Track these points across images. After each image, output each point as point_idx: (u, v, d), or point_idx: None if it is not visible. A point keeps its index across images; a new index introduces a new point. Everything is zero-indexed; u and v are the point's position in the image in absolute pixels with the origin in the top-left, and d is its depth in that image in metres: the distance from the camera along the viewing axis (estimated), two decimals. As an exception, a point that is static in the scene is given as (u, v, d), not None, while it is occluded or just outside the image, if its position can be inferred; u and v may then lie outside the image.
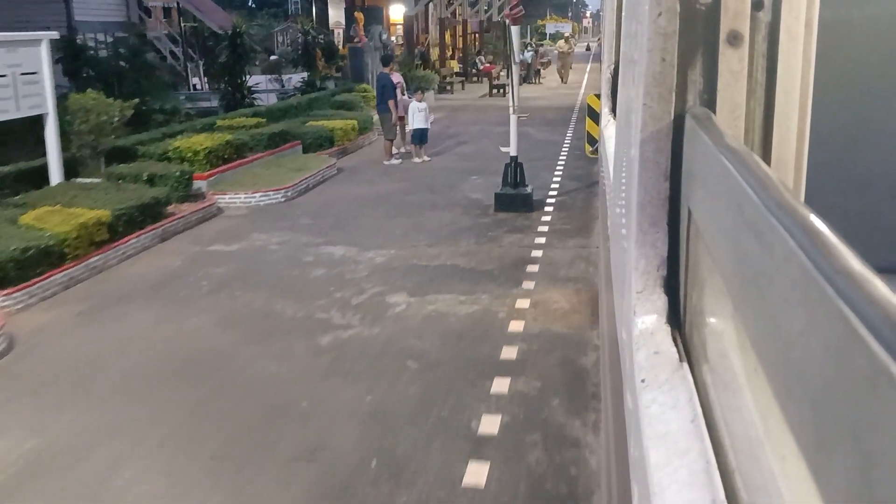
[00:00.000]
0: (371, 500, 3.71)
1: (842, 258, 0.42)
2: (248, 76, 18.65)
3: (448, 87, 25.89)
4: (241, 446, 4.25)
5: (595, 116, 9.13)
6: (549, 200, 9.75)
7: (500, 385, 4.77)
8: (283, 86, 21.74)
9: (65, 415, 4.64)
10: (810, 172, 1.04)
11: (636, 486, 0.97)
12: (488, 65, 28.77)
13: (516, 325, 5.72)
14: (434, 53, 27.75)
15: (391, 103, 12.59)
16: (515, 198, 9.27)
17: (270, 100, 19.43)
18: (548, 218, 8.90)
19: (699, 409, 0.84)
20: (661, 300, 1.05)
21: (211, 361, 5.30)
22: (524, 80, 27.54)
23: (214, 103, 18.59)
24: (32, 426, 4.48)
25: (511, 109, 9.28)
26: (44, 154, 8.83)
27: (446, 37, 29.49)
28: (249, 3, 54.82)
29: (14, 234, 6.76)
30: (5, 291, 6.25)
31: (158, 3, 27.06)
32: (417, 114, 12.68)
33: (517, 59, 9.19)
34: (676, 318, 1.03)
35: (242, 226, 8.89)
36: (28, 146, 9.30)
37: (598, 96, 8.39)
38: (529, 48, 31.19)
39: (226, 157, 10.46)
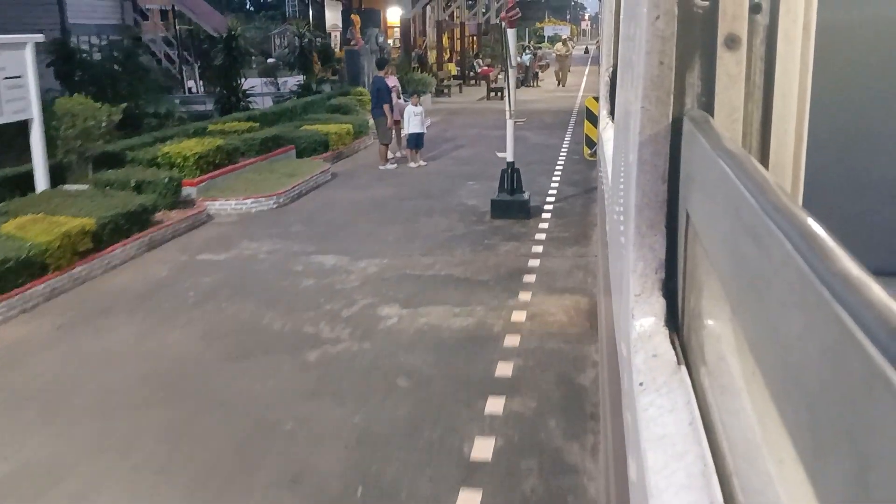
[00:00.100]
0: (355, 532, 3.49)
1: (839, 262, 0.42)
2: (243, 79, 18.44)
3: (445, 91, 25.69)
4: (221, 471, 4.03)
5: (593, 119, 8.97)
6: (546, 207, 9.54)
7: (495, 405, 4.55)
8: (278, 89, 21.54)
9: (37, 436, 4.41)
10: (808, 175, 1.04)
11: (634, 488, 0.97)
12: (486, 68, 28.55)
13: (512, 340, 5.50)
14: (431, 56, 27.55)
15: (386, 107, 12.38)
16: (512, 204, 9.06)
17: (266, 103, 19.23)
18: (545, 225, 8.69)
19: (697, 412, 0.84)
20: (659, 303, 1.05)
21: (193, 378, 5.08)
22: (522, 83, 27.37)
23: (210, 107, 18.38)
24: (2, 449, 4.26)
25: (508, 114, 9.07)
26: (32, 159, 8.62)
27: (444, 39, 29.30)
28: (247, 6, 54.72)
29: (-7, 243, 6.54)
30: (-17, 304, 6.03)
31: (155, 6, 26.87)
32: (413, 118, 12.47)
33: (514, 63, 8.97)
34: (674, 321, 1.03)
35: (232, 233, 8.67)
36: (16, 151, 9.09)
37: (597, 99, 8.22)
38: (527, 51, 31.03)
39: (216, 162, 10.24)
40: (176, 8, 24.69)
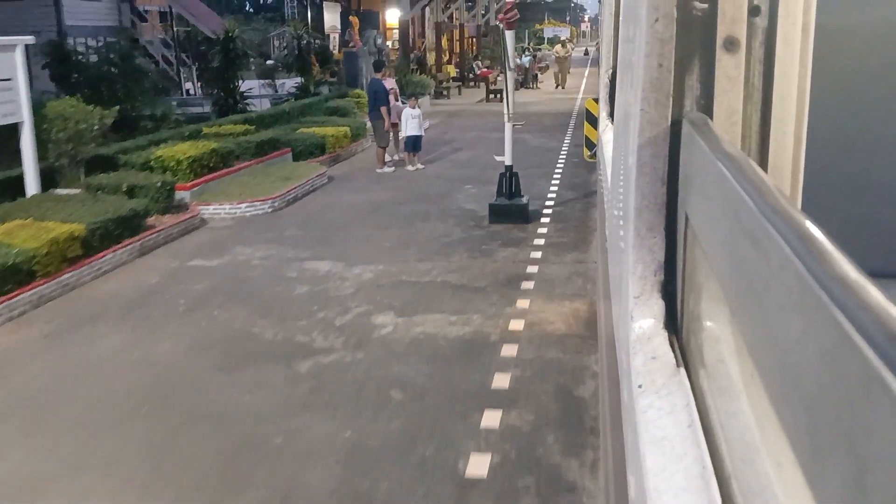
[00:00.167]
0: (345, 555, 3.35)
1: (837, 265, 0.42)
2: (240, 81, 18.30)
3: (444, 93, 25.55)
4: (207, 488, 3.89)
5: (593, 121, 8.84)
6: (545, 211, 9.40)
7: (491, 418, 4.40)
8: (276, 91, 21.40)
9: (19, 450, 4.27)
10: (807, 177, 1.04)
11: (633, 491, 0.97)
12: (485, 69, 28.43)
13: (509, 350, 5.36)
14: (431, 58, 27.41)
15: (384, 110, 12.23)
16: (510, 209, 8.92)
17: (264, 105, 19.10)
18: (544, 230, 8.55)
19: (696, 415, 0.84)
20: (658, 305, 1.05)
21: (180, 390, 4.94)
22: (522, 84, 27.23)
23: (207, 109, 18.25)
24: (-19, 465, 4.12)
25: (506, 117, 8.93)
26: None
27: (443, 41, 29.16)
28: (247, 8, 54.63)
29: (-21, 250, 6.39)
30: (-33, 312, 5.89)
31: (154, 8, 26.72)
32: (411, 120, 12.33)
33: (512, 65, 8.83)
34: (674, 323, 1.03)
35: (226, 238, 8.52)
36: (6, 154, 8.94)
37: (597, 100, 8.09)
38: (527, 53, 30.91)
39: (211, 165, 10.10)
40: (173, 10, 24.54)
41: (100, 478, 3.98)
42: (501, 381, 4.88)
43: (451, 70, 28.70)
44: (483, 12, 35.32)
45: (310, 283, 6.93)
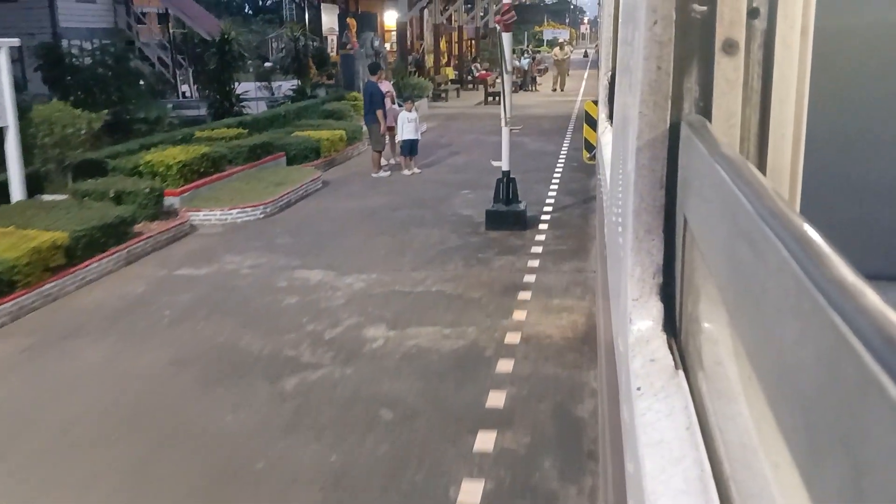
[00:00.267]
0: None
1: (834, 268, 0.42)
2: (236, 84, 18.09)
3: (443, 95, 25.32)
4: (184, 517, 3.68)
5: (592, 123, 8.63)
6: (543, 217, 9.18)
7: (485, 441, 4.18)
8: (272, 94, 21.19)
9: (-13, 476, 4.05)
10: (806, 180, 1.04)
11: (631, 494, 0.97)
12: (484, 72, 28.21)
13: (505, 365, 5.14)
14: (429, 60, 27.20)
15: (379, 113, 12.02)
16: (507, 215, 8.70)
17: (260, 108, 18.87)
18: (542, 237, 8.33)
19: (694, 417, 0.84)
20: (656, 308, 1.05)
21: (160, 409, 4.72)
22: (520, 87, 27.03)
23: (203, 112, 18.03)
24: (-54, 492, 3.90)
25: (503, 121, 8.72)
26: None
27: (441, 43, 28.94)
28: (246, 10, 54.47)
29: (-43, 260, 6.18)
30: (-58, 325, 5.67)
31: (152, 10, 26.52)
32: (407, 124, 12.11)
33: (509, 68, 8.61)
34: (672, 326, 1.04)
35: (215, 246, 8.30)
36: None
37: (596, 103, 7.89)
38: (526, 55, 30.70)
39: (201, 170, 9.87)
40: (168, 11, 24.34)
41: (70, 506, 3.76)
42: (496, 399, 4.66)
43: (450, 72, 28.47)
44: (482, 14, 35.12)
45: (300, 293, 6.71)
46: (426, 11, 27.81)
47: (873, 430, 0.33)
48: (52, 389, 5.05)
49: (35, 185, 8.72)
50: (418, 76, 24.56)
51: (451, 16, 30.71)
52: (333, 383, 4.95)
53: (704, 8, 0.95)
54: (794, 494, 0.55)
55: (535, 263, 7.40)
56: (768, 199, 0.57)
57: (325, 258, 7.71)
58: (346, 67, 21.51)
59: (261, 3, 55.84)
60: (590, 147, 8.90)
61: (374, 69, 12.69)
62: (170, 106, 18.52)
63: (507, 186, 8.78)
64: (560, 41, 35.00)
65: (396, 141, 12.48)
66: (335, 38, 25.68)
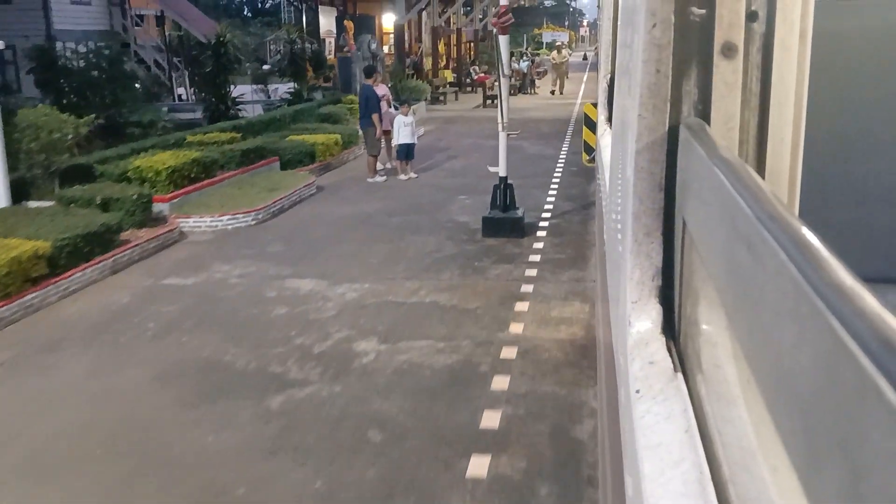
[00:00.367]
0: None
1: (832, 271, 0.43)
2: (233, 86, 17.89)
3: (441, 98, 25.10)
4: (159, 549, 3.46)
5: (592, 125, 8.45)
6: (541, 224, 8.97)
7: (478, 466, 3.97)
8: (269, 97, 20.98)
9: (-47, 502, 3.84)
10: (805, 183, 1.04)
11: (630, 496, 0.96)
12: (483, 75, 27.99)
13: (500, 382, 4.92)
14: (427, 63, 26.99)
15: (375, 117, 11.80)
16: (505, 222, 8.48)
17: (257, 111, 18.65)
18: (540, 245, 8.12)
19: (693, 420, 0.84)
20: (655, 310, 1.05)
21: (140, 429, 4.51)
22: (519, 90, 26.82)
23: (199, 115, 17.82)
24: None
25: (500, 126, 8.51)
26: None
27: (440, 46, 28.73)
28: (245, 13, 54.33)
29: (-67, 270, 5.97)
30: (-84, 339, 5.46)
31: (150, 12, 26.32)
32: (403, 128, 11.89)
33: (507, 72, 8.41)
34: (671, 329, 1.03)
35: (205, 254, 8.08)
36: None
37: (595, 105, 7.70)
38: (525, 58, 30.48)
39: (192, 176, 9.65)
40: (164, 13, 24.15)
41: (37, 537, 3.55)
42: (491, 419, 4.44)
43: (449, 75, 28.25)
44: (481, 17, 34.91)
45: (289, 304, 6.49)
46: (424, 14, 27.61)
47: (871, 434, 0.33)
48: (29, 406, 4.83)
49: (21, 191, 8.51)
50: (416, 79, 24.35)
51: (449, 18, 30.49)
52: (321, 402, 4.73)
53: (703, 11, 0.95)
54: (792, 497, 0.55)
55: (532, 272, 7.19)
56: (767, 203, 0.57)
57: (318, 266, 7.49)
58: (344, 70, 21.32)
59: (260, 5, 55.71)
60: (589, 149, 8.71)
61: (369, 72, 12.49)
62: (165, 109, 18.32)
63: (504, 192, 8.57)
64: (557, 44, 34.69)
65: (392, 145, 12.27)
66: (333, 40, 25.49)
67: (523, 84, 27.69)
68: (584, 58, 50.11)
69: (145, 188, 8.78)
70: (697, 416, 0.85)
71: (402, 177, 12.09)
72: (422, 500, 3.69)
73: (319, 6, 26.16)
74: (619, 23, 1.61)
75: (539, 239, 8.35)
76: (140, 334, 5.95)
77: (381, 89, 12.50)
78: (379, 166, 12.26)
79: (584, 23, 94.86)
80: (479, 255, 7.85)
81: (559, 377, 4.99)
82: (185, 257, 7.97)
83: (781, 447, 0.48)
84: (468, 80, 28.90)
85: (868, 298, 0.38)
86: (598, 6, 8.28)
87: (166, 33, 24.21)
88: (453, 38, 30.99)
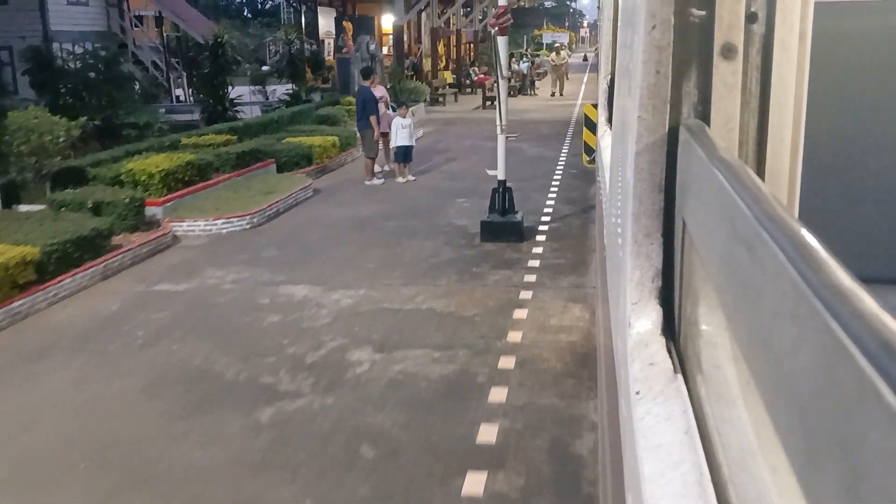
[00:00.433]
0: None
1: (831, 273, 0.43)
2: (230, 87, 17.75)
3: (440, 99, 24.96)
4: (141, 572, 3.32)
5: (592, 126, 8.33)
6: (541, 228, 8.83)
7: (474, 483, 3.83)
8: (266, 98, 20.84)
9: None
10: (804, 184, 1.04)
11: (630, 498, 0.96)
12: (482, 76, 27.84)
13: (498, 394, 4.78)
14: (427, 64, 26.85)
15: (373, 119, 11.66)
16: (503, 226, 8.34)
17: (255, 112, 18.52)
18: (539, 250, 7.98)
19: (693, 421, 0.84)
20: (655, 311, 1.05)
21: (126, 442, 4.37)
22: (519, 91, 26.68)
23: (196, 116, 17.69)
24: None
25: (499, 128, 8.37)
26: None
27: (439, 47, 28.58)
28: (244, 13, 54.22)
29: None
30: None
31: (149, 13, 26.17)
32: (401, 130, 11.76)
33: (505, 73, 8.27)
34: (671, 330, 1.03)
35: (198, 258, 7.95)
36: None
37: (596, 106, 7.58)
38: (525, 59, 30.34)
39: (186, 179, 9.51)
40: (161, 14, 24.01)
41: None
42: (488, 434, 4.30)
43: (448, 76, 28.11)
44: (480, 17, 34.76)
45: (283, 311, 6.35)
46: (424, 15, 27.47)
47: (870, 434, 0.33)
48: (13, 418, 4.70)
49: (12, 194, 8.38)
50: (416, 80, 24.21)
51: (449, 19, 30.34)
52: (312, 415, 4.59)
53: (703, 12, 0.95)
54: (792, 498, 0.53)
55: (531, 278, 7.05)
56: (766, 204, 0.57)
57: (312, 272, 7.35)
58: (342, 71, 21.18)
59: (259, 6, 55.62)
60: (589, 150, 8.59)
61: (366, 74, 12.35)
62: (162, 110, 18.19)
63: (502, 196, 8.43)
64: (556, 45, 34.47)
65: (390, 147, 12.14)
66: (332, 41, 25.35)
67: (523, 85, 27.55)
68: (585, 59, 49.96)
69: (138, 191, 8.64)
70: (697, 416, 0.85)
71: (400, 179, 11.96)
72: (415, 520, 3.55)
73: (318, 7, 26.03)
74: (619, 24, 1.58)
75: (538, 243, 8.21)
76: (129, 342, 5.81)
77: (379, 91, 12.36)
78: (377, 169, 12.12)
79: (585, 24, 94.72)
80: (478, 260, 7.71)
81: (559, 389, 4.85)
82: (177, 262, 7.83)
83: (781, 448, 0.48)
84: (468, 82, 28.76)
85: (867, 300, 0.38)
86: (599, 7, 8.15)
87: (164, 34, 24.06)
88: (453, 38, 30.85)
